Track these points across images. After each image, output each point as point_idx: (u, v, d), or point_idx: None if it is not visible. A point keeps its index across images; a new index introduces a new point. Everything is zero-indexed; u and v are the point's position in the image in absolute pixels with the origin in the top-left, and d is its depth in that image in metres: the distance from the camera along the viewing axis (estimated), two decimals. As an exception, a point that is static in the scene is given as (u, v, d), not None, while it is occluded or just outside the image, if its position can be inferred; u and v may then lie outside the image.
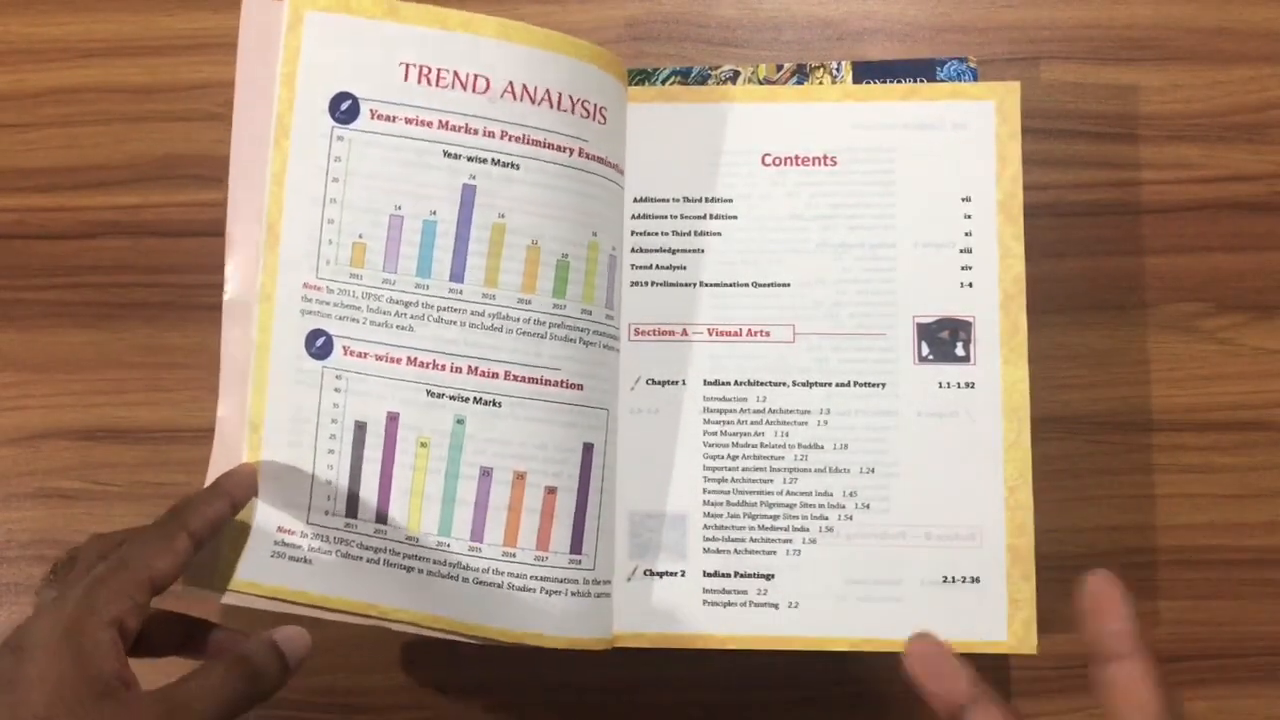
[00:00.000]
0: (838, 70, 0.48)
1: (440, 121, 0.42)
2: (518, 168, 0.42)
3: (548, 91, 0.42)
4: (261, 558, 0.42)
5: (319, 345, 0.43)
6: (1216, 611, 0.48)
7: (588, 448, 0.43)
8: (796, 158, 0.46)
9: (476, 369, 0.42)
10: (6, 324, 0.51)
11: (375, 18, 0.42)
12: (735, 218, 0.46)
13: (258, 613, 0.43)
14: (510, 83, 0.42)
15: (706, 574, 0.44)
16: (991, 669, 0.48)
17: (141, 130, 0.51)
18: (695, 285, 0.46)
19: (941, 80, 0.47)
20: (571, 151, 0.43)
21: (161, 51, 0.52)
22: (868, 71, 0.48)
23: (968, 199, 0.45)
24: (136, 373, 0.50)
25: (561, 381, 0.43)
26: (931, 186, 0.45)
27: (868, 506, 0.44)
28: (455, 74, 0.42)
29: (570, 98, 0.43)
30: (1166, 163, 0.50)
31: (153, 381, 0.50)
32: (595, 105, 0.43)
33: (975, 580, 0.43)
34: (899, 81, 0.47)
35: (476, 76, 0.42)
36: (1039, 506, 0.43)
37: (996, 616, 0.43)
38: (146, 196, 0.51)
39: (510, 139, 0.42)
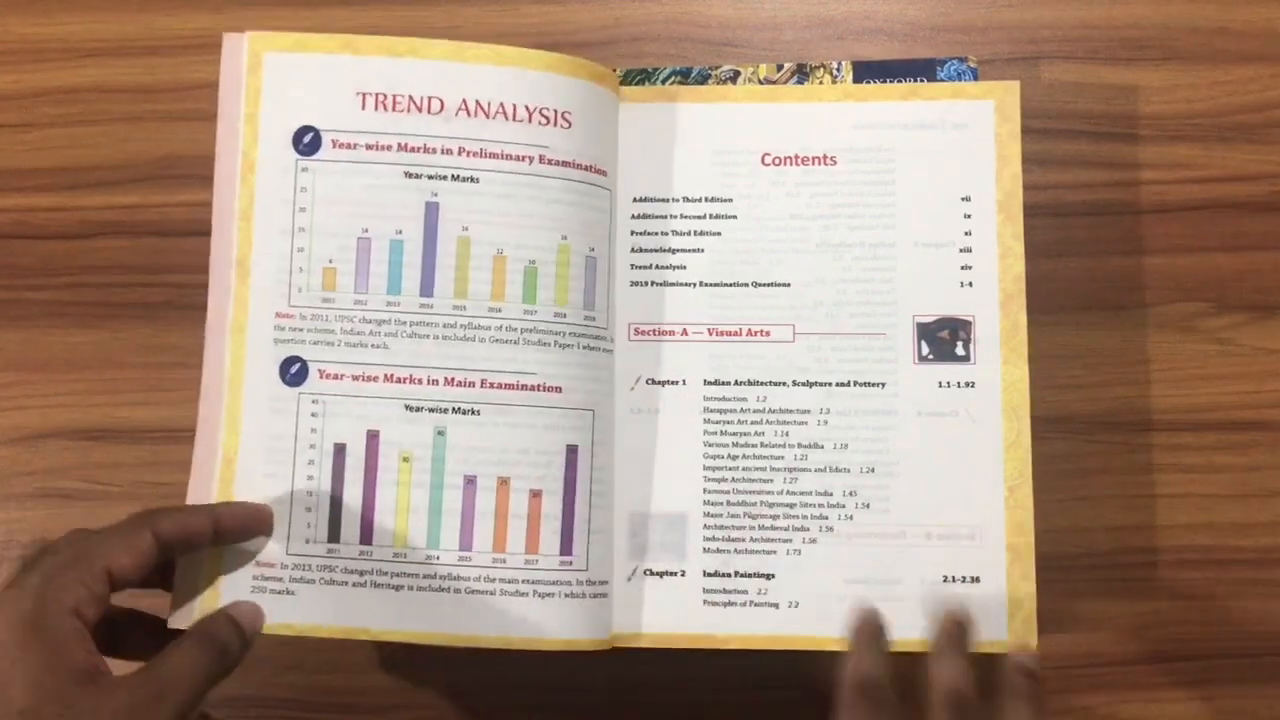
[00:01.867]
0: (838, 70, 0.48)
1: (399, 144, 0.44)
2: (477, 181, 0.43)
3: (501, 105, 0.44)
4: (242, 594, 0.42)
5: (294, 372, 0.43)
6: (1216, 611, 0.48)
7: (571, 449, 0.43)
8: (796, 157, 0.46)
9: (453, 379, 0.43)
10: (6, 324, 0.51)
11: (331, 53, 0.44)
12: (735, 217, 0.46)
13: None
14: (464, 100, 0.44)
15: (706, 574, 0.44)
16: (991, 669, 0.48)
17: (141, 130, 0.51)
18: (695, 285, 0.46)
19: (941, 80, 0.47)
20: (531, 159, 0.43)
21: (161, 51, 0.52)
22: (868, 71, 0.48)
23: (968, 198, 0.45)
24: (136, 373, 0.50)
25: (538, 385, 0.43)
26: (931, 186, 0.45)
27: (868, 506, 0.44)
28: (410, 98, 0.44)
29: (526, 107, 0.43)
30: (1166, 163, 0.50)
31: (153, 381, 0.50)
32: (556, 111, 0.44)
33: (975, 580, 0.43)
34: (899, 81, 0.47)
35: (430, 98, 0.44)
36: (1039, 506, 0.43)
37: (996, 616, 0.43)
38: (146, 196, 0.51)
39: (468, 154, 0.43)
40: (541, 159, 0.44)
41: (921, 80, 0.47)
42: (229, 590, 0.42)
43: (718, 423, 0.45)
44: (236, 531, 0.41)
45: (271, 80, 0.44)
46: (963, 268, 0.45)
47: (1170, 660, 0.48)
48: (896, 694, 0.37)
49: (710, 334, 0.45)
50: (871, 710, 0.37)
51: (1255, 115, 0.50)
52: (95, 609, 0.35)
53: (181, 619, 0.41)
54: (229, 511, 0.41)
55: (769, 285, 0.45)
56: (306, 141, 0.44)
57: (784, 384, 0.45)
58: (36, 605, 0.34)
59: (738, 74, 0.49)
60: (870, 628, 0.40)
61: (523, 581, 0.42)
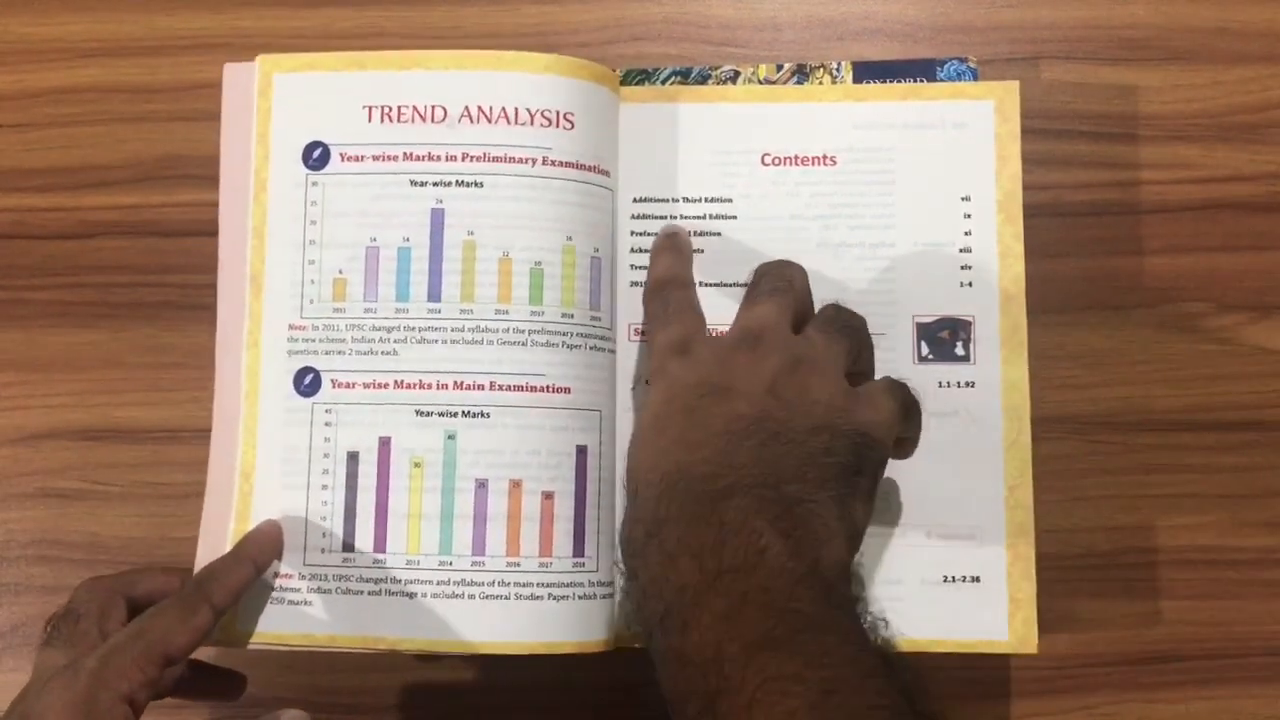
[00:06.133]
0: (838, 70, 0.48)
1: (405, 154, 0.44)
2: (481, 185, 0.43)
3: (504, 109, 0.44)
4: (261, 606, 0.42)
5: (307, 383, 0.43)
6: (1216, 611, 0.48)
7: (581, 450, 0.43)
8: (796, 158, 0.46)
9: (462, 383, 0.43)
10: (6, 324, 0.51)
11: (338, 70, 0.45)
12: (735, 218, 0.46)
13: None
14: (466, 107, 0.44)
15: (706, 574, 0.44)
16: (991, 669, 0.48)
17: (141, 130, 0.51)
18: (695, 285, 0.45)
19: (941, 80, 0.47)
20: (534, 161, 0.43)
21: (161, 51, 0.52)
22: (868, 71, 0.48)
23: (967, 198, 0.45)
24: (136, 373, 0.50)
25: (547, 386, 0.43)
26: (931, 186, 0.45)
27: (868, 506, 0.44)
28: (414, 108, 0.44)
29: (528, 110, 0.44)
30: (1166, 163, 0.50)
31: (153, 381, 0.50)
32: (558, 113, 0.44)
33: (975, 580, 0.43)
34: (899, 81, 0.47)
35: (434, 107, 0.44)
36: (1039, 506, 0.43)
37: (997, 616, 0.43)
38: (146, 196, 0.51)
39: (471, 159, 0.44)
40: (545, 160, 0.44)
41: (921, 80, 0.47)
42: (249, 605, 0.42)
43: (718, 423, 0.45)
44: (269, 563, 0.42)
45: (281, 100, 0.45)
46: (963, 268, 0.45)
47: (1170, 660, 0.48)
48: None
49: (710, 334, 0.45)
50: (667, 292, 0.41)
51: (1255, 115, 0.50)
52: (148, 693, 0.35)
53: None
54: (259, 548, 0.41)
55: (769, 285, 0.45)
56: (316, 156, 0.44)
57: (784, 384, 0.45)
58: (89, 690, 0.34)
59: (738, 74, 0.49)
60: (673, 239, 0.44)
61: (537, 585, 0.42)
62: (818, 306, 0.45)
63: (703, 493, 0.35)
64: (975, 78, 0.47)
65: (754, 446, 0.35)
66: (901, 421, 0.39)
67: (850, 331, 0.40)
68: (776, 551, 0.33)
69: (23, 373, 0.51)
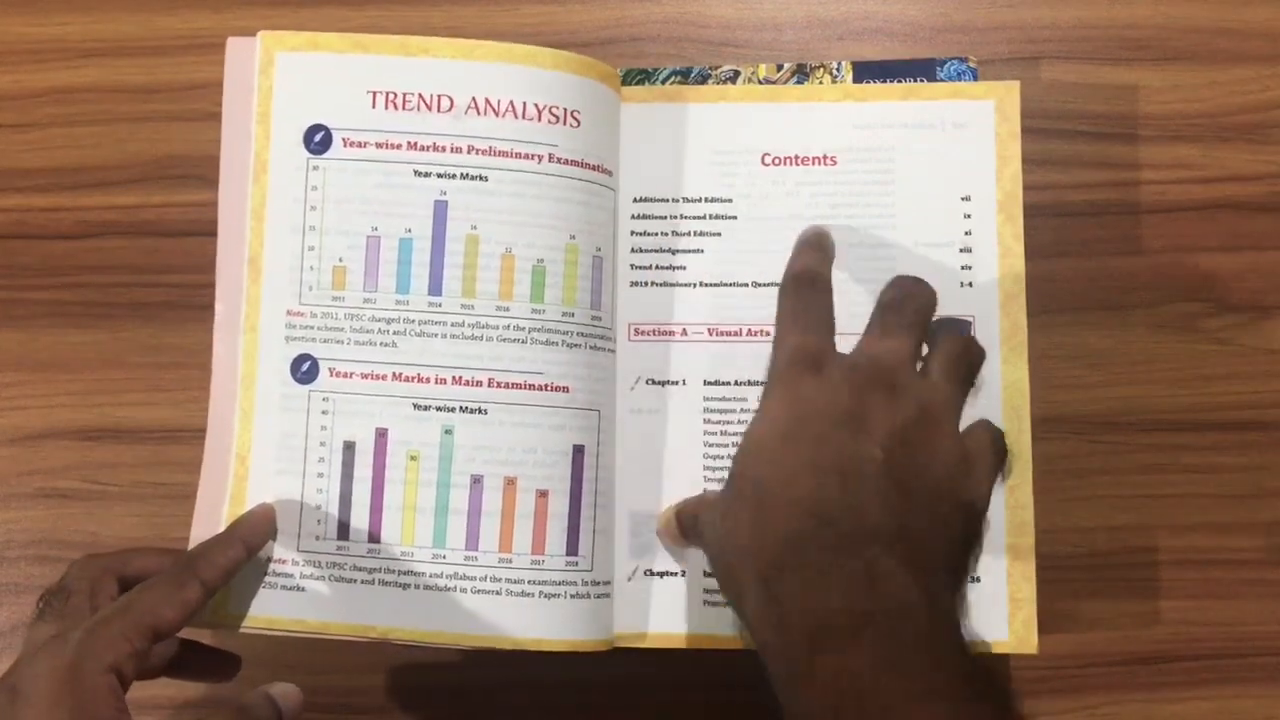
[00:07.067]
0: (838, 70, 0.48)
1: (409, 143, 0.44)
2: (486, 179, 0.43)
3: (511, 103, 0.43)
4: (254, 590, 0.42)
5: (304, 370, 0.43)
6: (1216, 611, 0.48)
7: (578, 449, 0.43)
8: (796, 157, 0.46)
9: (460, 379, 0.43)
10: (6, 324, 0.51)
11: (342, 52, 0.44)
12: (735, 218, 0.46)
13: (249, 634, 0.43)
14: (473, 98, 0.43)
15: (707, 574, 0.44)
16: (991, 669, 0.48)
17: (141, 130, 0.51)
18: (695, 285, 0.46)
19: (941, 80, 0.47)
20: (540, 158, 0.43)
21: (161, 51, 0.52)
22: (868, 71, 0.48)
23: (967, 198, 0.45)
24: (136, 373, 0.50)
25: (546, 385, 0.43)
26: (931, 186, 0.45)
27: (868, 506, 0.44)
28: (420, 96, 0.44)
29: (535, 106, 0.43)
30: (1166, 163, 0.50)
31: (153, 381, 0.50)
32: (565, 110, 0.44)
33: (975, 580, 0.43)
34: (899, 81, 0.47)
35: (440, 96, 0.44)
36: (1039, 506, 0.43)
37: (997, 616, 0.43)
38: (146, 196, 0.51)
39: (477, 152, 0.43)
40: (551, 158, 0.43)
41: (921, 80, 0.47)
42: (243, 588, 0.42)
43: (718, 423, 0.45)
44: (260, 545, 0.42)
45: (283, 80, 0.44)
46: (963, 268, 0.45)
47: (1170, 660, 0.48)
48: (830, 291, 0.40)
49: (710, 334, 0.45)
50: (806, 293, 0.40)
51: (1255, 115, 0.50)
52: (134, 665, 0.35)
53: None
54: (251, 530, 0.42)
55: (769, 285, 0.45)
56: (318, 140, 0.44)
57: (784, 384, 0.45)
58: (76, 659, 0.34)
59: (738, 74, 0.49)
60: (818, 237, 0.42)
61: (529, 582, 0.42)
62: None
63: (845, 530, 0.35)
64: (975, 78, 0.47)
65: (883, 494, 0.35)
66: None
67: (972, 375, 0.40)
68: (922, 607, 0.34)
69: (23, 373, 0.51)
